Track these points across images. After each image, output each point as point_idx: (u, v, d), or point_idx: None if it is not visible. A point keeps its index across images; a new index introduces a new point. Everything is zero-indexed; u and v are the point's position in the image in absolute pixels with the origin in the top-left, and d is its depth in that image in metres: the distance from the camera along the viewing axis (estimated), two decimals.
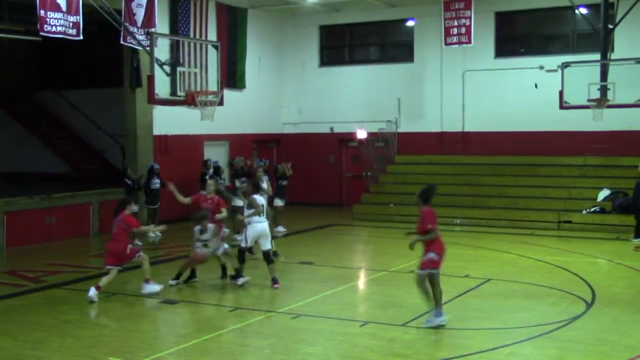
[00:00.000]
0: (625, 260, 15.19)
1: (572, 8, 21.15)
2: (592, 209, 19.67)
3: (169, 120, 20.75)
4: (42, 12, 13.66)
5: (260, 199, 12.62)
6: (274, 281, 12.46)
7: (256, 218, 12.37)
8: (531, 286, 12.80)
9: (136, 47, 16.68)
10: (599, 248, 16.71)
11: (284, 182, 19.84)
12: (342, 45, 26.63)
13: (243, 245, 12.53)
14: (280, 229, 18.97)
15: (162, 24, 18.42)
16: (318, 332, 10.38)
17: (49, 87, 26.75)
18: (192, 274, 13.10)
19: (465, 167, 22.90)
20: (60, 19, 14.00)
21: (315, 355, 9.18)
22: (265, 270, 13.31)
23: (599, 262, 15.41)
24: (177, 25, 20.64)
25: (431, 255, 9.99)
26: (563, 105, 19.33)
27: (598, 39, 19.95)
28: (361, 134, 24.35)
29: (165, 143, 21.07)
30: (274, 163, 23.97)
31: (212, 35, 21.71)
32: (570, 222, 19.54)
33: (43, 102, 27.16)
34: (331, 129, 25.31)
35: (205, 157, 21.17)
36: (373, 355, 9.02)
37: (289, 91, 26.09)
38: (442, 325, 9.97)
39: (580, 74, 19.37)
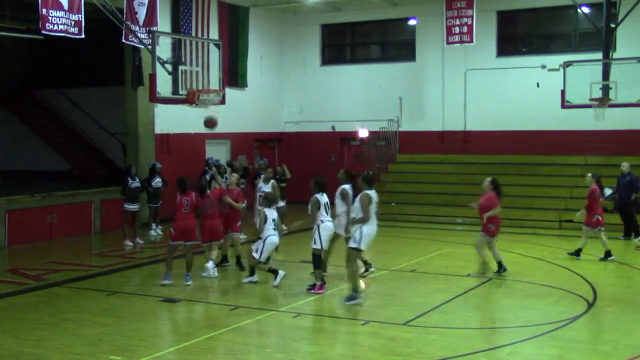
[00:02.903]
0: (627, 260, 15.21)
1: (574, 7, 21.15)
2: None
3: (170, 119, 20.77)
4: (44, 10, 13.67)
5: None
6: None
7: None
8: (532, 285, 12.81)
9: (138, 45, 16.70)
10: (600, 247, 16.71)
11: (283, 184, 19.80)
12: (343, 44, 26.65)
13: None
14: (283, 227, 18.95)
15: (163, 23, 18.42)
16: (319, 331, 10.40)
17: (50, 86, 26.76)
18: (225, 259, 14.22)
19: (466, 167, 22.90)
20: (62, 17, 14.01)
21: (317, 354, 9.20)
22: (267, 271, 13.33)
23: (600, 261, 15.42)
24: (179, 24, 20.65)
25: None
26: (565, 105, 19.29)
27: (600, 37, 19.92)
28: (363, 133, 24.36)
29: (166, 141, 21.09)
30: (276, 162, 23.98)
31: (214, 34, 21.72)
32: (571, 221, 19.47)
33: (44, 100, 27.17)
34: (333, 127, 25.32)
35: (207, 156, 21.19)
36: (374, 354, 9.03)
37: (290, 90, 26.09)
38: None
39: (582, 73, 19.31)
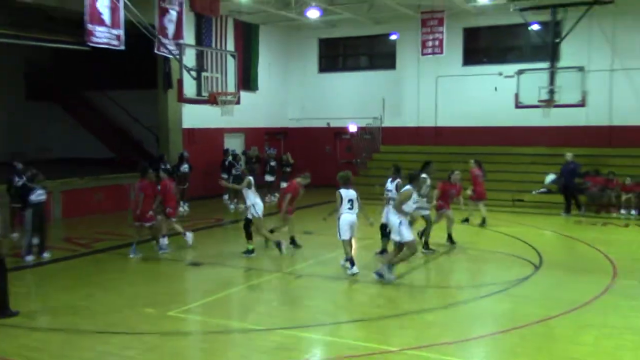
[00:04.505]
0: (568, 232, 15.24)
1: (526, 25, 21.05)
2: (541, 190, 19.69)
3: (195, 116, 20.66)
4: (90, 26, 13.61)
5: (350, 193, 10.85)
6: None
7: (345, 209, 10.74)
8: (489, 253, 12.83)
9: (167, 55, 16.60)
10: (545, 222, 16.74)
11: (288, 169, 19.79)
12: (337, 55, 26.49)
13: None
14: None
15: (189, 36, 18.30)
16: (317, 289, 10.41)
17: (96, 88, 26.62)
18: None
19: (437, 156, 22.71)
20: (104, 32, 13.95)
21: (314, 307, 9.22)
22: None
23: (545, 233, 15.44)
24: (202, 38, 20.52)
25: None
26: (518, 105, 19.33)
27: (547, 50, 19.89)
28: (352, 128, 24.31)
29: (192, 135, 21.02)
30: (282, 152, 23.93)
31: (230, 46, 21.59)
32: (522, 200, 19.56)
33: (92, 100, 27.03)
34: (328, 124, 25.24)
35: (225, 147, 21.11)
36: (362, 306, 9.07)
37: (293, 92, 25.97)
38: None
39: (533, 79, 19.33)
